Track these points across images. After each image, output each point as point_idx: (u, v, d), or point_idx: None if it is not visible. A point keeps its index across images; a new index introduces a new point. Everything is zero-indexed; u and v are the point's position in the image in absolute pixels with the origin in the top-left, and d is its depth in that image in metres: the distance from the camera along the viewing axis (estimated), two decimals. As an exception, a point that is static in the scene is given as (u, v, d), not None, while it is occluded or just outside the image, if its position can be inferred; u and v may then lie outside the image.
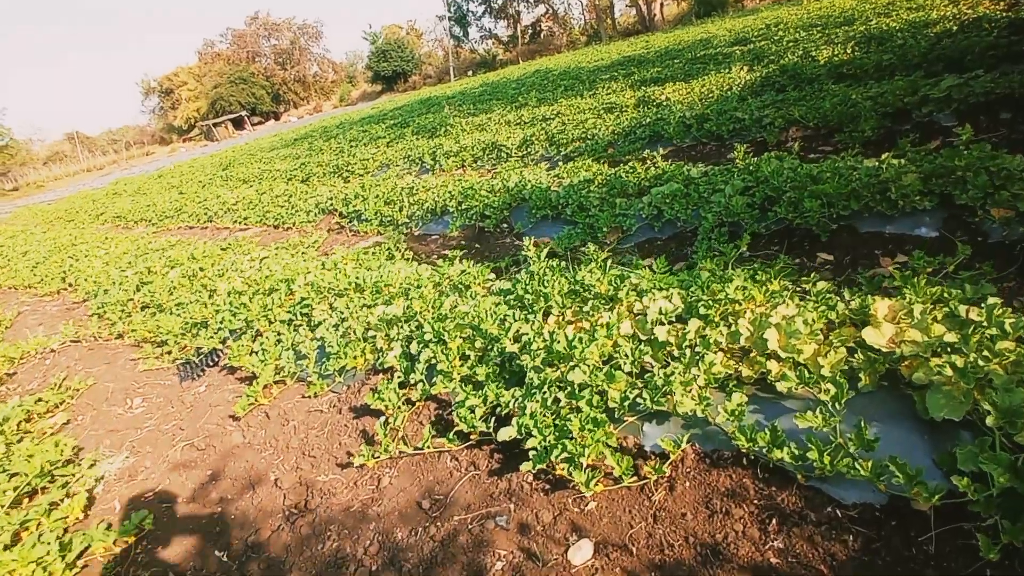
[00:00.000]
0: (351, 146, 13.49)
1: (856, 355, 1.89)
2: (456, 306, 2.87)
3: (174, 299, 4.76)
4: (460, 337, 2.59)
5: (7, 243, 12.86)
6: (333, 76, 63.17)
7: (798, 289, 2.39)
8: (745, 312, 2.13)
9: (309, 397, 3.06)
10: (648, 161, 4.96)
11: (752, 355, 1.98)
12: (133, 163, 49.98)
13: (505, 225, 5.00)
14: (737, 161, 4.28)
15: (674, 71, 10.43)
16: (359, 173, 9.88)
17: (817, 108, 5.16)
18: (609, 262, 2.62)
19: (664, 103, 8.00)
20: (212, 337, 3.90)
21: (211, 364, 3.87)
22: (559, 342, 2.17)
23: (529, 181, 5.19)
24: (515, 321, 2.50)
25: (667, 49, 16.13)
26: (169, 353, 4.10)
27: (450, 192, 5.64)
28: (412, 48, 51.59)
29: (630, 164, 4.77)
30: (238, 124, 54.66)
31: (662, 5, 33.70)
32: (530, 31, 44.53)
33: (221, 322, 3.93)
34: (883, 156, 3.39)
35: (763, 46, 10.54)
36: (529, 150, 7.39)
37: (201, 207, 10.06)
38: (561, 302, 2.50)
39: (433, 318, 2.77)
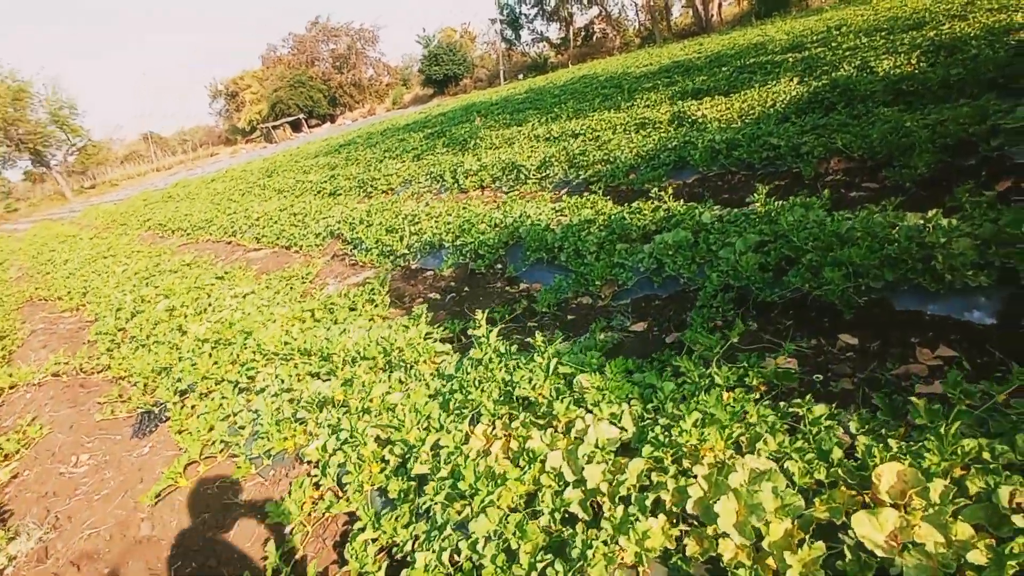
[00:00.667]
0: (384, 156, 13.32)
1: (844, 541, 1.35)
2: (388, 393, 2.45)
3: (154, 336, 4.55)
4: (377, 441, 2.17)
5: (58, 248, 13.34)
6: (388, 79, 64.09)
7: (789, 412, 1.84)
8: (704, 455, 1.62)
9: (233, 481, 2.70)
10: (657, 199, 4.40)
11: (703, 527, 1.47)
12: (198, 164, 52.17)
13: (499, 266, 4.55)
14: (756, 206, 3.69)
15: (718, 81, 9.69)
16: (382, 189, 9.64)
17: (864, 137, 4.48)
18: (554, 362, 2.14)
19: (700, 120, 7.36)
20: (169, 388, 3.63)
21: (164, 420, 3.60)
22: (463, 477, 1.72)
23: (529, 216, 4.72)
24: (436, 430, 2.05)
25: (718, 54, 15.26)
26: (128, 400, 3.86)
27: (448, 224, 5.23)
28: (464, 51, 51.66)
29: (635, 204, 4.23)
30: (296, 127, 56.22)
31: (720, 5, 32.32)
32: (583, 33, 43.72)
33: (181, 372, 3.66)
34: (930, 213, 2.76)
35: (819, 53, 9.68)
36: (548, 172, 6.91)
37: (229, 220, 10.05)
38: (493, 409, 2.04)
39: (356, 409, 2.36)
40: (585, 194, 5.26)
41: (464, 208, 5.79)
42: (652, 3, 35.71)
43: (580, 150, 6.90)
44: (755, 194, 3.80)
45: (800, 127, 5.08)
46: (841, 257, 2.63)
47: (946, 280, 2.48)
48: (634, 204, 4.23)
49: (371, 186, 9.85)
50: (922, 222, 2.75)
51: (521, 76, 43.46)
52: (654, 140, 6.49)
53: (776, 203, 3.60)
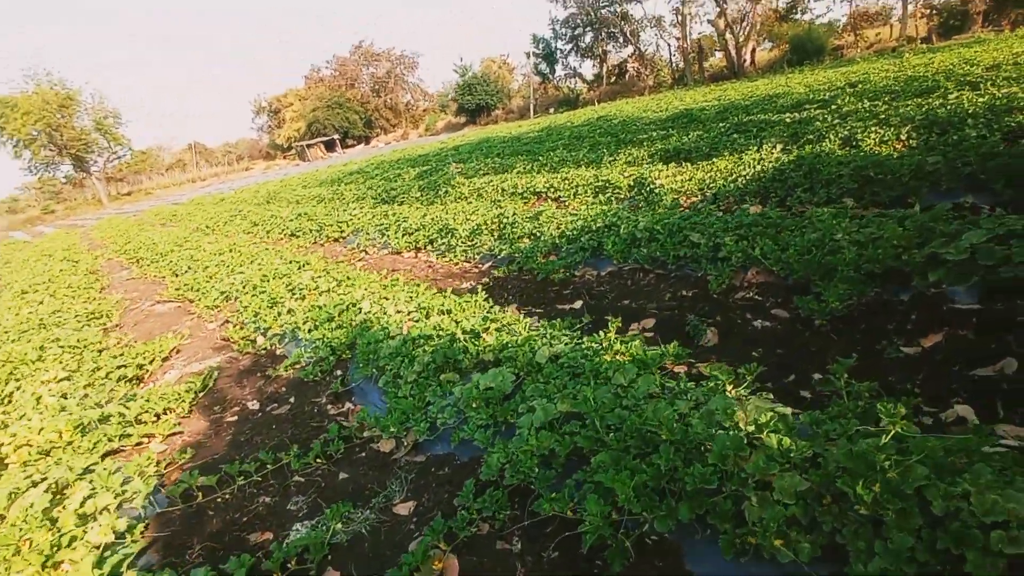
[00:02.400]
0: (366, 193, 12.88)
1: None
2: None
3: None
4: None
5: (30, 266, 13.24)
6: (424, 105, 64.85)
7: None
8: None
9: None
10: (496, 317, 3.63)
11: None
12: (231, 177, 53.34)
13: (339, 372, 3.83)
14: (604, 345, 2.89)
15: (704, 142, 8.89)
16: (333, 237, 9.11)
17: (784, 247, 3.65)
18: None
19: (657, 190, 6.60)
20: None
21: None
22: None
23: (386, 314, 4.01)
24: None
25: (730, 104, 14.48)
26: None
27: (319, 310, 4.56)
28: (500, 82, 51.87)
29: (473, 324, 3.46)
30: (330, 146, 57.11)
31: (753, 51, 31.44)
32: (616, 71, 43.27)
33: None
34: (765, 416, 1.94)
35: (816, 115, 8.82)
36: (477, 241, 6.22)
37: (178, 257, 9.64)
38: None
39: None
40: (438, 293, 4.45)
41: (350, 283, 5.14)
42: (685, 46, 35.07)
43: (512, 220, 6.20)
44: (607, 326, 3.01)
45: (724, 224, 4.26)
46: (608, 481, 1.83)
47: (750, 546, 1.66)
48: (471, 323, 3.45)
49: (325, 234, 9.32)
50: (751, 428, 1.93)
51: (552, 110, 43.27)
52: (591, 215, 5.73)
53: (628, 345, 2.80)
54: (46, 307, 7.24)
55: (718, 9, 31.36)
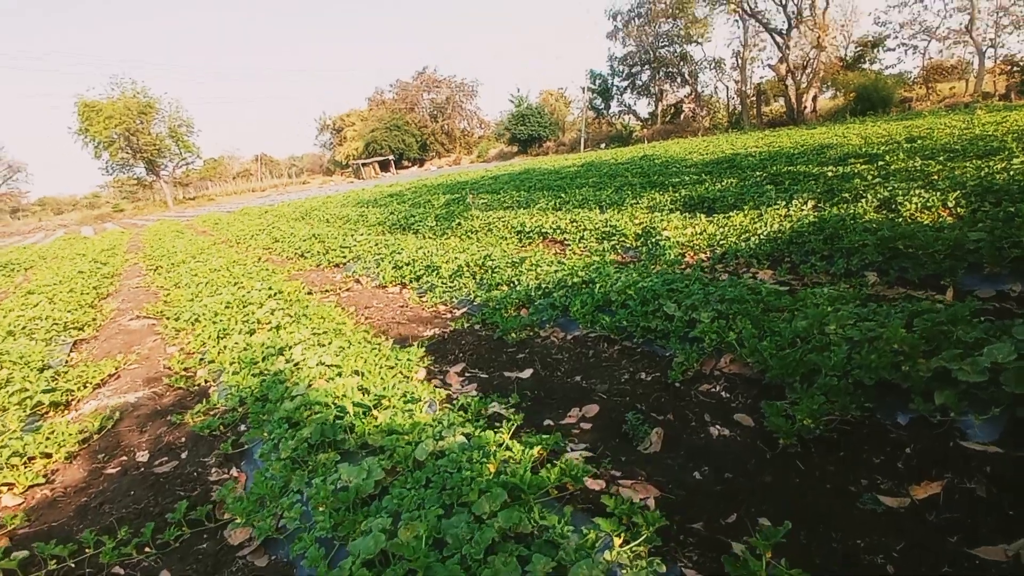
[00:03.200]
0: (388, 217, 12.68)
1: None
2: None
3: None
4: None
5: (61, 266, 13.56)
6: (480, 132, 65.70)
7: None
8: None
9: None
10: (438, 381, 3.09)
11: None
12: (289, 189, 55.07)
13: (243, 428, 3.39)
14: (495, 448, 2.32)
15: (734, 191, 8.24)
16: (335, 262, 8.83)
17: (764, 334, 3.02)
18: None
19: (662, 243, 6.00)
20: None
21: None
22: None
23: (307, 366, 3.56)
24: None
25: (778, 152, 13.77)
26: None
27: (249, 348, 4.17)
28: (555, 115, 52.05)
29: (380, 391, 2.95)
30: (384, 166, 58.38)
31: (815, 98, 30.29)
32: (672, 110, 42.66)
33: None
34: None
35: (860, 171, 8.05)
36: (457, 283, 5.75)
37: (186, 272, 9.56)
38: None
39: None
40: (373, 347, 3.97)
41: (307, 321, 4.73)
42: (743, 90, 34.20)
43: (492, 266, 5.72)
44: (548, 407, 2.45)
45: (705, 295, 3.64)
46: None
47: None
48: (372, 393, 2.94)
49: (328, 257, 9.07)
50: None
51: (603, 146, 42.91)
52: (576, 266, 5.19)
53: (520, 449, 2.24)
54: (36, 312, 7.16)
55: (780, 54, 30.50)
